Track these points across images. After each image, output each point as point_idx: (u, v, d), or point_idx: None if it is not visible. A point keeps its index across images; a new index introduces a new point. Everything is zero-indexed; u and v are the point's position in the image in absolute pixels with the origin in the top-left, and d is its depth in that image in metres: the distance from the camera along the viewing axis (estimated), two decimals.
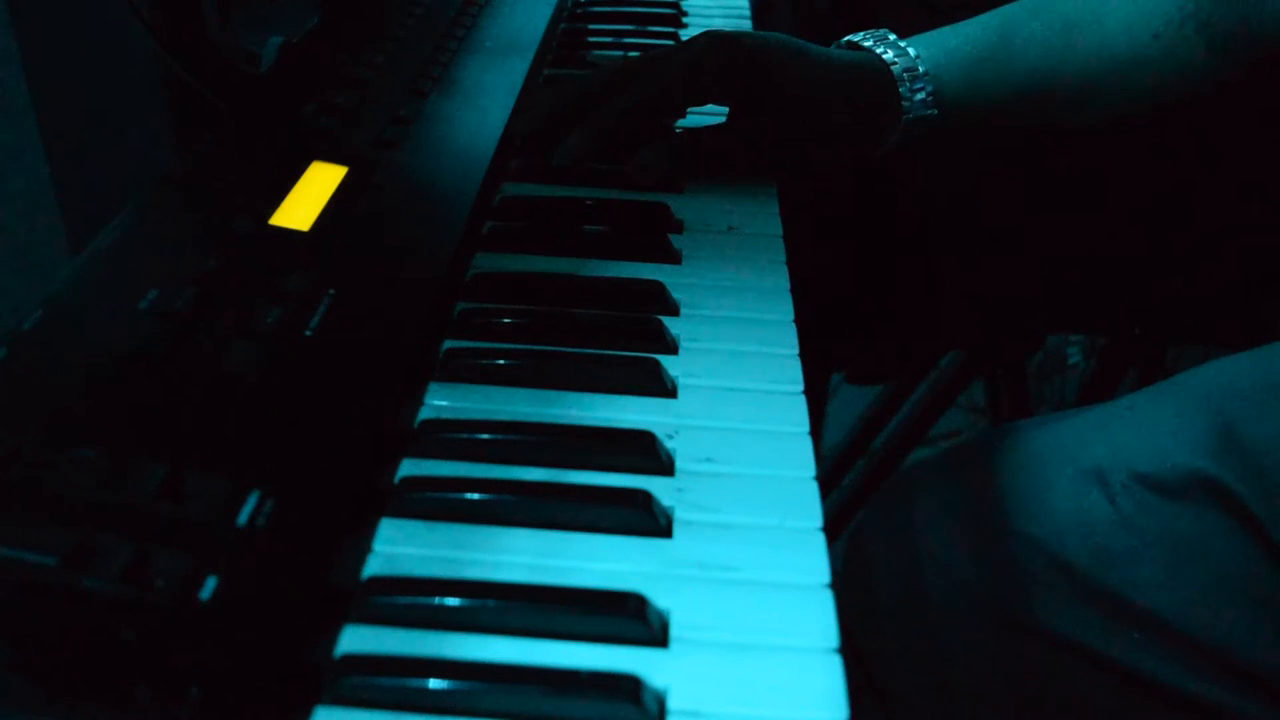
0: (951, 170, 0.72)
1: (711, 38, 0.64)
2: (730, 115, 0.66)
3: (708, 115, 0.68)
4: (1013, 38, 0.64)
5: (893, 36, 0.65)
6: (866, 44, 0.65)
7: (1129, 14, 0.63)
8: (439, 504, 0.40)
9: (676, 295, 0.54)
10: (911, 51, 0.64)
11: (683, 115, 0.69)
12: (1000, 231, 0.87)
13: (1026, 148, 0.79)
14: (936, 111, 0.64)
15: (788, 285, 0.55)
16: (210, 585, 0.32)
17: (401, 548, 0.39)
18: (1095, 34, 0.64)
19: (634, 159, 0.62)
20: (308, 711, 0.33)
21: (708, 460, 0.44)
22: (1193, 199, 0.84)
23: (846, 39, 0.67)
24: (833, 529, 0.41)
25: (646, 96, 0.64)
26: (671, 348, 0.50)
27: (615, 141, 0.64)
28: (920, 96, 0.63)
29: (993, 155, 0.69)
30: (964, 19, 0.68)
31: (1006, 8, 0.66)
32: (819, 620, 0.37)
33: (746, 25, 0.89)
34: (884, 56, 0.64)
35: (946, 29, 0.66)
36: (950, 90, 0.64)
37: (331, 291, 0.46)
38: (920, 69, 0.63)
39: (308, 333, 0.43)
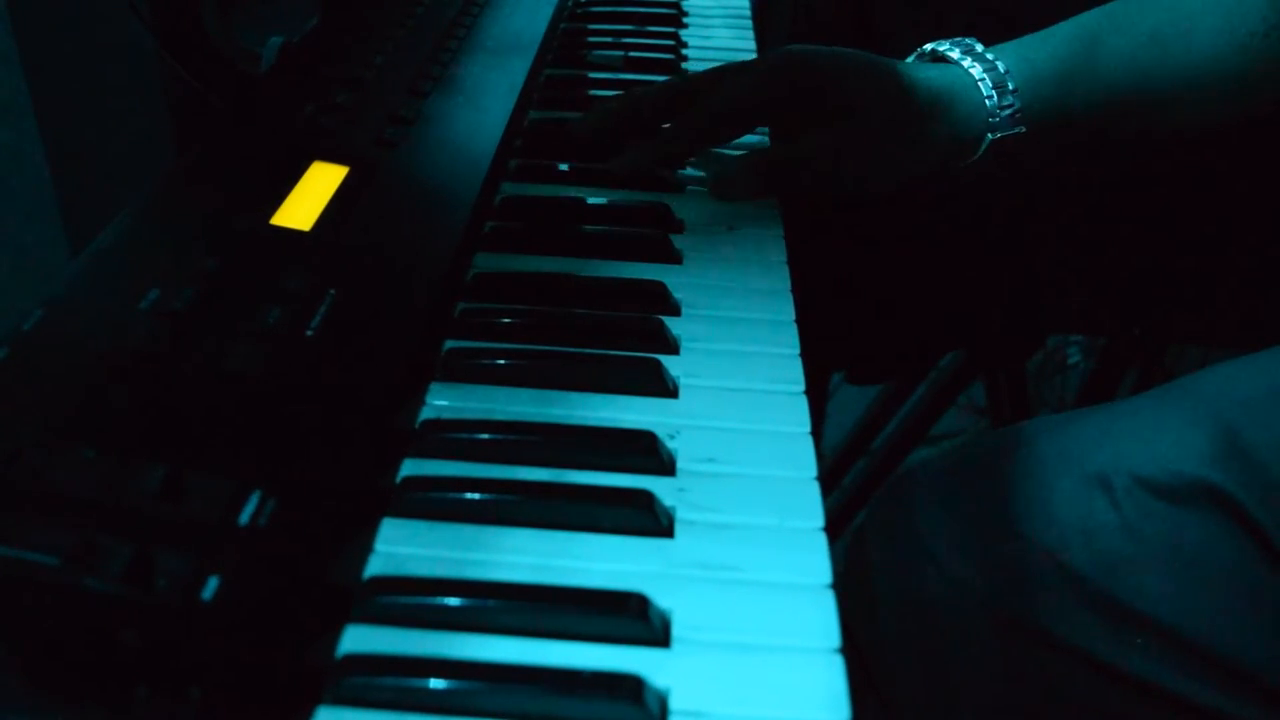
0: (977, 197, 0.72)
1: (789, 55, 0.62)
2: (800, 133, 0.63)
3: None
4: (1099, 51, 0.63)
5: (980, 47, 0.63)
6: (953, 54, 0.63)
7: (1215, 26, 0.62)
8: (440, 504, 0.40)
9: (678, 295, 0.54)
10: (1000, 66, 0.62)
11: (750, 132, 0.67)
12: (1001, 232, 0.87)
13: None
14: (1025, 129, 0.62)
15: (789, 285, 0.55)
16: (212, 585, 0.32)
17: (403, 548, 0.39)
18: (1181, 46, 0.62)
19: (712, 169, 0.60)
20: (309, 711, 0.33)
21: (709, 460, 0.44)
22: (1193, 200, 0.84)
23: (931, 47, 0.65)
24: (833, 529, 0.40)
25: (718, 113, 0.63)
26: (673, 348, 0.50)
27: (681, 159, 0.65)
28: (1008, 113, 0.61)
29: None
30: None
31: (1087, 18, 0.64)
32: (820, 620, 0.37)
33: (747, 25, 0.89)
34: (972, 72, 0.62)
35: (1029, 40, 0.64)
36: (1038, 107, 0.62)
37: (332, 291, 0.46)
38: (1010, 85, 0.61)
39: (309, 332, 0.43)
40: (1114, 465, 0.60)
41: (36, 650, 0.31)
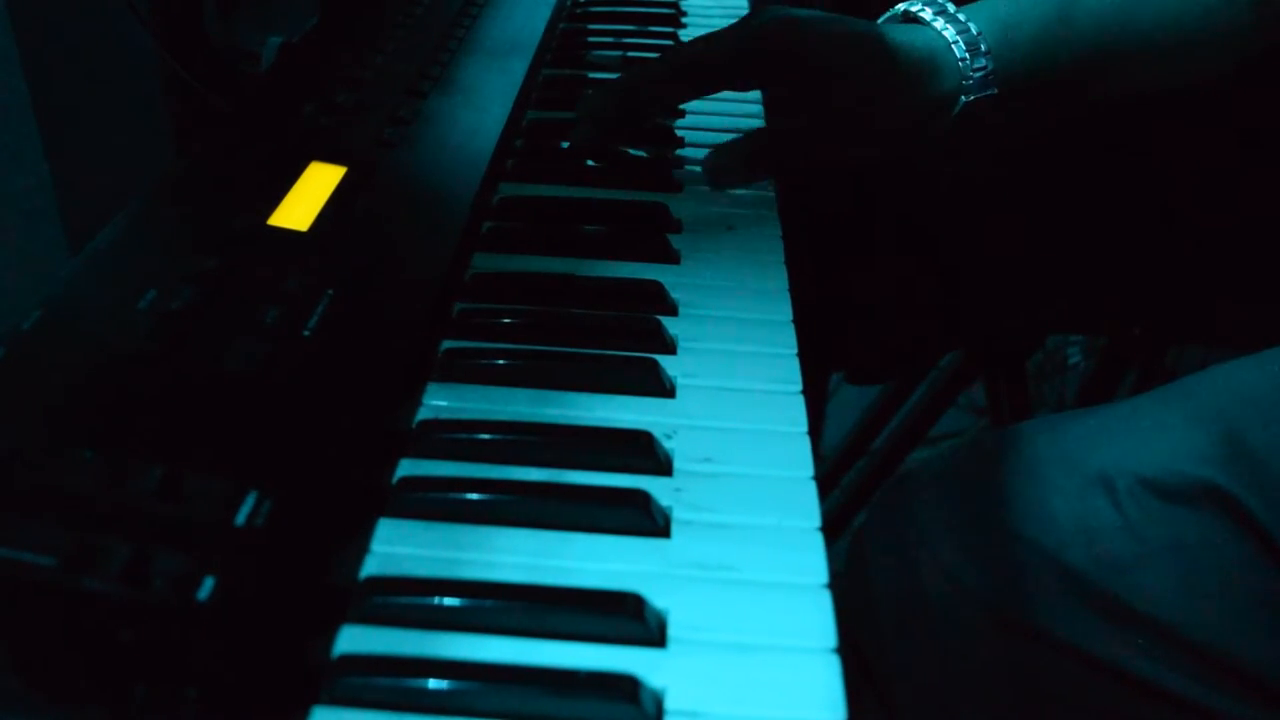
0: (955, 169, 0.72)
1: (770, 18, 0.61)
2: (781, 106, 0.64)
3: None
4: (1071, 11, 0.63)
5: (952, 8, 0.63)
6: (925, 15, 0.63)
7: None
8: (437, 504, 0.40)
9: (675, 295, 0.54)
10: (974, 28, 0.62)
11: (717, 91, 0.66)
12: (1001, 231, 0.87)
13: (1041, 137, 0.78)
14: (996, 91, 0.62)
15: (787, 285, 0.55)
16: (208, 585, 0.32)
17: (399, 548, 0.39)
18: (1151, 8, 0.62)
19: (706, 159, 0.61)
20: (305, 712, 0.33)
21: (706, 460, 0.44)
22: (1193, 200, 0.84)
23: (904, 7, 0.65)
24: (833, 529, 0.41)
25: (687, 63, 0.62)
26: (670, 347, 0.50)
27: (648, 109, 0.64)
28: (979, 75, 0.61)
29: (1000, 155, 0.68)
30: None
31: None
32: (817, 620, 0.37)
33: None
34: (945, 34, 0.62)
35: (1002, 1, 0.64)
36: (1010, 68, 0.62)
37: (330, 291, 0.46)
38: (983, 47, 0.61)
39: (306, 332, 0.43)
40: (1116, 466, 0.60)
41: (34, 650, 0.31)
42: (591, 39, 0.85)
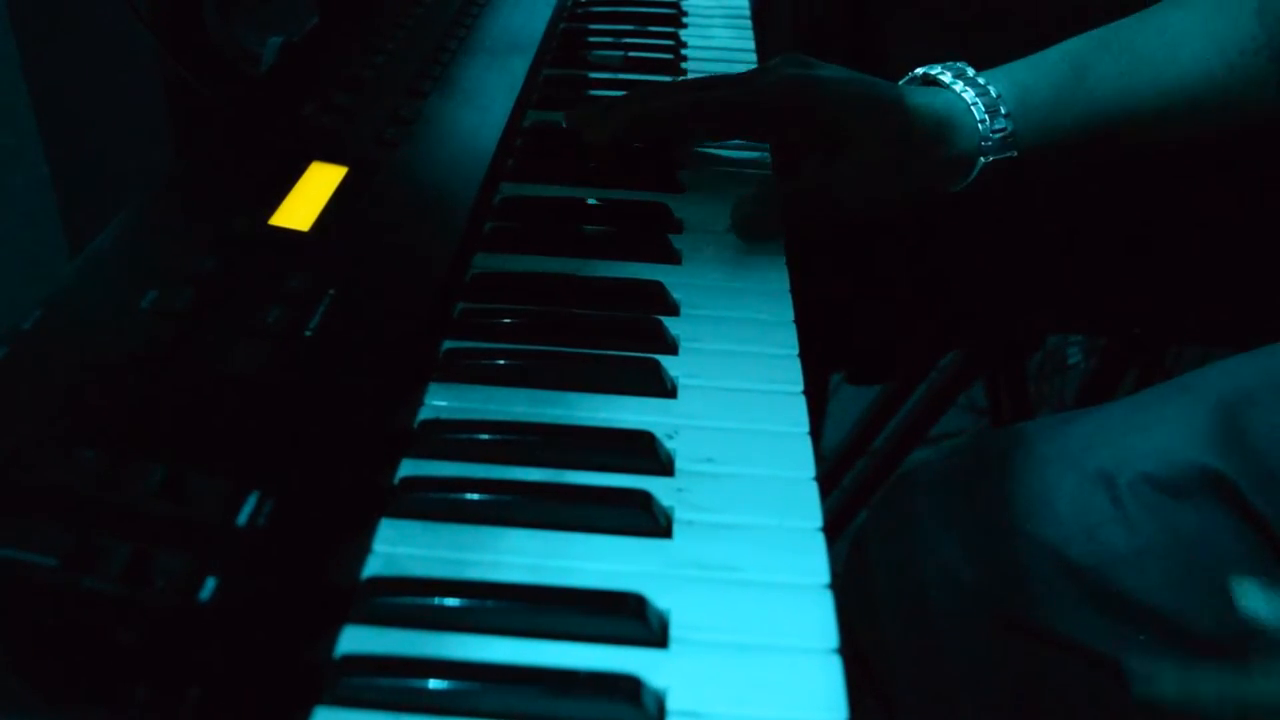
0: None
1: (784, 79, 0.61)
2: (800, 158, 0.64)
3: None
4: (1087, 75, 0.63)
5: (971, 71, 0.64)
6: (945, 78, 0.64)
7: (1203, 45, 0.62)
8: (439, 504, 0.40)
9: (676, 295, 0.54)
10: (993, 91, 0.62)
11: (733, 137, 0.67)
12: (1001, 231, 0.87)
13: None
14: (1016, 153, 0.62)
15: (788, 285, 0.55)
16: (210, 586, 0.32)
17: (401, 548, 0.39)
18: (1170, 68, 0.63)
19: (735, 208, 0.61)
20: (308, 712, 0.33)
21: (708, 460, 0.44)
22: (1193, 201, 0.84)
23: (923, 71, 0.65)
24: (833, 529, 0.41)
25: (705, 105, 0.63)
26: (671, 348, 0.50)
27: (654, 128, 0.65)
28: (999, 137, 0.62)
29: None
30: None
31: (1076, 42, 0.65)
32: (819, 620, 0.37)
33: (746, 25, 0.89)
34: (964, 96, 0.62)
35: (1020, 65, 0.64)
36: (1029, 130, 0.63)
37: (331, 291, 0.46)
38: (1003, 110, 0.62)
39: (308, 333, 0.43)
40: (1115, 461, 0.60)
41: (35, 650, 0.31)
42: (592, 39, 0.85)
